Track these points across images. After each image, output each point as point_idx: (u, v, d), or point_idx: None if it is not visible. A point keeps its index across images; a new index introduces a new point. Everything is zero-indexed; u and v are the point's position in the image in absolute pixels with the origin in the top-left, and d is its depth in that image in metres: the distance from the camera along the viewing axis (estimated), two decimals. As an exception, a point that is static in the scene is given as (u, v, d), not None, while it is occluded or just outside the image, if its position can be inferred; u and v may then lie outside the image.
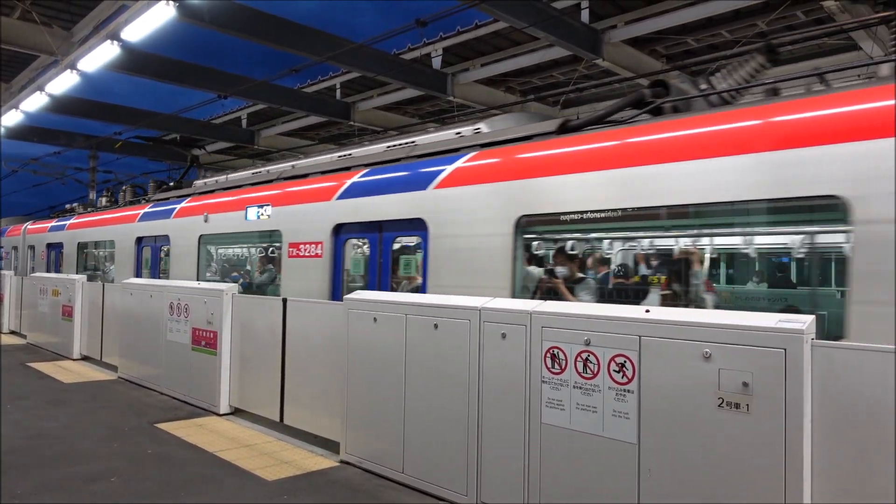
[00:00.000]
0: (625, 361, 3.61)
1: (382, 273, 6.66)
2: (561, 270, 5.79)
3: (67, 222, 14.86)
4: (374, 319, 5.17)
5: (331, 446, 5.70)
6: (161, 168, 24.72)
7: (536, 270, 6.04)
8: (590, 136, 5.05)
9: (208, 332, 7.33)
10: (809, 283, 6.25)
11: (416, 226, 6.09)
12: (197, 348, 7.52)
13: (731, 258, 9.36)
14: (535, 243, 6.09)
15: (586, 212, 4.92)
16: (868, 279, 3.38)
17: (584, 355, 3.79)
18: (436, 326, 4.67)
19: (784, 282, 7.76)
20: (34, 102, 12.92)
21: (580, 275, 5.88)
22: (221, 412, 7.07)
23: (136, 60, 11.92)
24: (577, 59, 11.85)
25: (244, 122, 19.18)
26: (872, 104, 3.58)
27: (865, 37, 9.57)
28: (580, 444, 3.79)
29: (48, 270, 15.28)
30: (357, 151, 8.09)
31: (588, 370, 3.77)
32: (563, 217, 5.17)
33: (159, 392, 8.14)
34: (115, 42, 9.38)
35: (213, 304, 7.27)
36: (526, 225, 5.24)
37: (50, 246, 15.61)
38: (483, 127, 6.50)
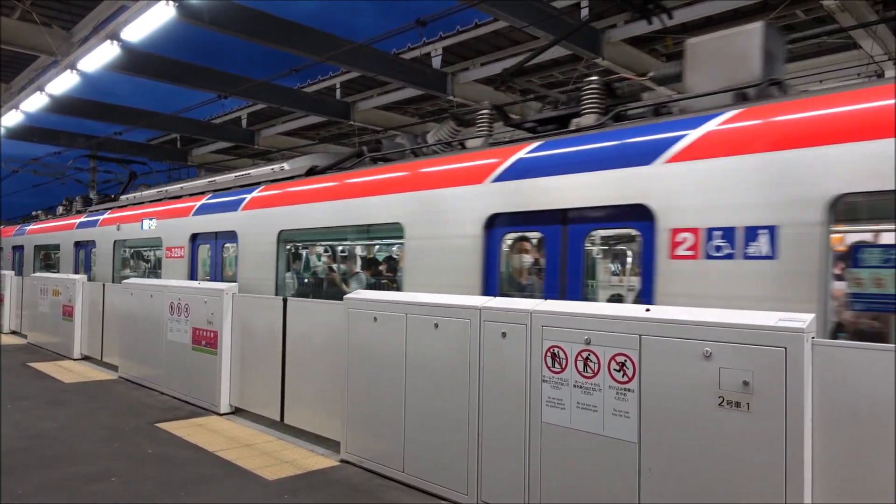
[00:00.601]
0: (625, 360, 3.61)
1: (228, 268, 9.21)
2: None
3: (28, 228, 16.43)
4: (375, 319, 5.17)
5: (331, 446, 5.70)
6: (161, 168, 24.72)
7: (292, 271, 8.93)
8: (322, 178, 7.30)
9: (209, 332, 7.33)
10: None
11: (232, 236, 8.47)
12: (197, 348, 7.53)
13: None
14: (294, 248, 9.04)
15: (320, 227, 7.17)
16: None
17: (585, 354, 3.79)
18: (436, 326, 4.67)
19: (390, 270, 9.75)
20: (34, 103, 12.92)
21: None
22: (222, 412, 7.07)
23: (136, 61, 11.93)
24: (576, 58, 11.85)
25: (244, 122, 19.19)
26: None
27: (865, 35, 9.57)
28: (580, 443, 3.79)
29: (13, 269, 16.86)
30: (221, 178, 10.27)
31: (588, 369, 3.77)
32: (307, 230, 7.40)
33: (160, 392, 8.14)
34: (115, 42, 9.38)
35: (213, 304, 7.27)
36: (286, 237, 7.68)
37: (14, 248, 17.51)
38: (286, 165, 8.72)
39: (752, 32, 4.51)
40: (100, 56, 10.03)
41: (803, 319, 3.11)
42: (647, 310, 3.65)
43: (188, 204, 9.82)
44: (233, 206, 8.65)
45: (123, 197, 13.87)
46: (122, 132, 17.67)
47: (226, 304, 7.16)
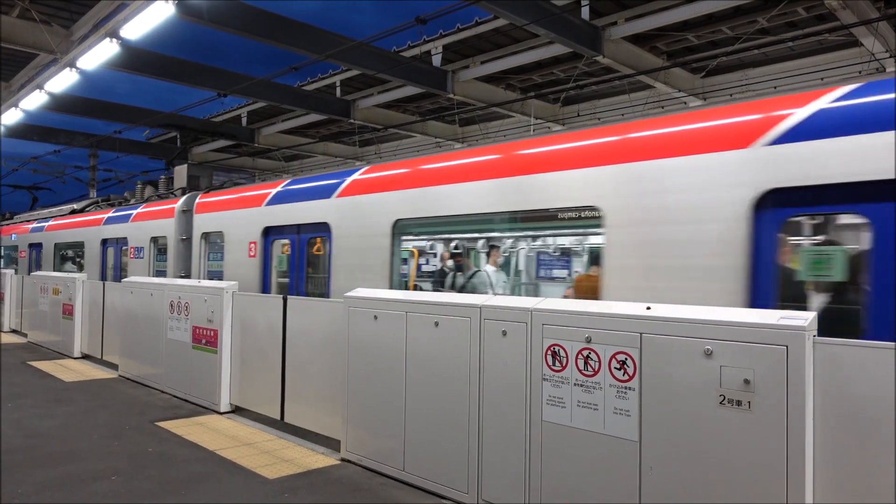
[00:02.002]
0: (626, 359, 3.60)
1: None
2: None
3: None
4: (375, 317, 5.16)
5: (331, 444, 5.70)
6: (160, 166, 24.70)
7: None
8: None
9: (209, 331, 7.33)
10: None
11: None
12: (197, 346, 7.52)
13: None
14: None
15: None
16: None
17: (585, 353, 3.78)
18: (436, 324, 4.66)
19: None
20: (34, 101, 12.91)
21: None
22: (222, 410, 7.07)
23: (136, 59, 11.91)
24: (577, 56, 11.83)
25: (244, 121, 19.17)
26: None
27: (867, 33, 9.54)
28: (581, 442, 3.78)
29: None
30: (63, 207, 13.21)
31: (589, 367, 3.76)
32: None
33: (160, 390, 8.14)
34: (115, 40, 9.37)
35: (213, 303, 7.27)
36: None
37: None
38: (74, 206, 11.08)
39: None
40: (99, 54, 10.02)
41: (804, 317, 3.10)
42: (648, 308, 3.64)
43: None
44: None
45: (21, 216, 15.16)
46: (121, 130, 17.65)
47: (226, 303, 7.16)
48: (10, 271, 15.00)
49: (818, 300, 3.97)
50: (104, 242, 12.92)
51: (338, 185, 7.20)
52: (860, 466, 2.95)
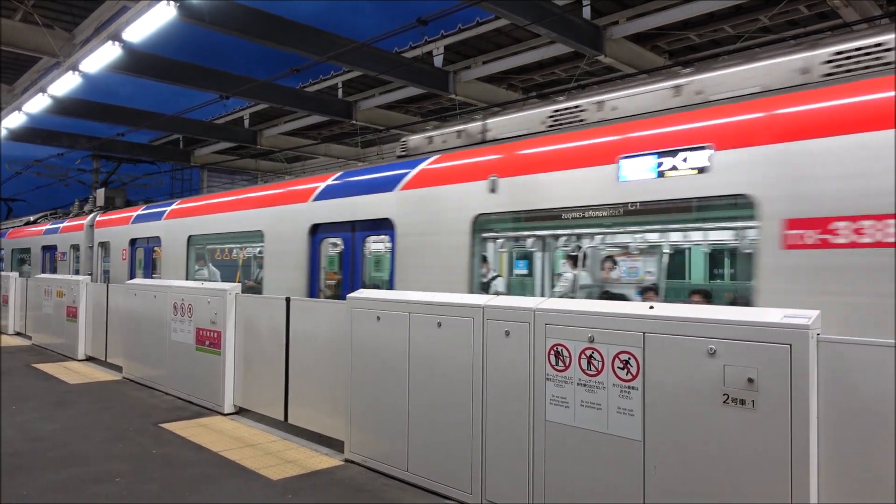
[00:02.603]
0: (629, 358, 3.60)
1: None
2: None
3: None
4: (378, 318, 5.16)
5: (335, 445, 5.70)
6: (165, 168, 24.74)
7: None
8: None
9: (212, 332, 7.34)
10: None
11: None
12: (201, 348, 7.53)
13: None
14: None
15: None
16: None
17: (588, 352, 3.78)
18: (439, 324, 4.66)
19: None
20: (37, 104, 12.95)
21: None
22: (226, 412, 7.08)
23: (138, 61, 11.94)
24: (579, 55, 11.82)
25: (246, 123, 19.20)
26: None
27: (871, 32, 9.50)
28: (585, 442, 3.78)
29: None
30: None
31: (592, 367, 3.76)
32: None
33: (164, 392, 8.15)
34: (117, 43, 9.39)
35: (216, 304, 7.27)
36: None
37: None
38: (30, 217, 12.10)
39: None
40: (101, 57, 10.04)
41: (808, 316, 3.09)
42: (651, 307, 3.63)
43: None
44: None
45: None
46: (124, 133, 17.69)
47: (229, 304, 7.16)
48: (13, 274, 15.05)
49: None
50: (44, 248, 17.11)
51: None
52: (865, 465, 2.94)
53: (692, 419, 3.33)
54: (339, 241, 7.75)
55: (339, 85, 15.29)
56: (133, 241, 12.40)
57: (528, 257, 8.02)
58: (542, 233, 6.10)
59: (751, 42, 10.82)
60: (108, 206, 15.13)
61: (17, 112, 13.68)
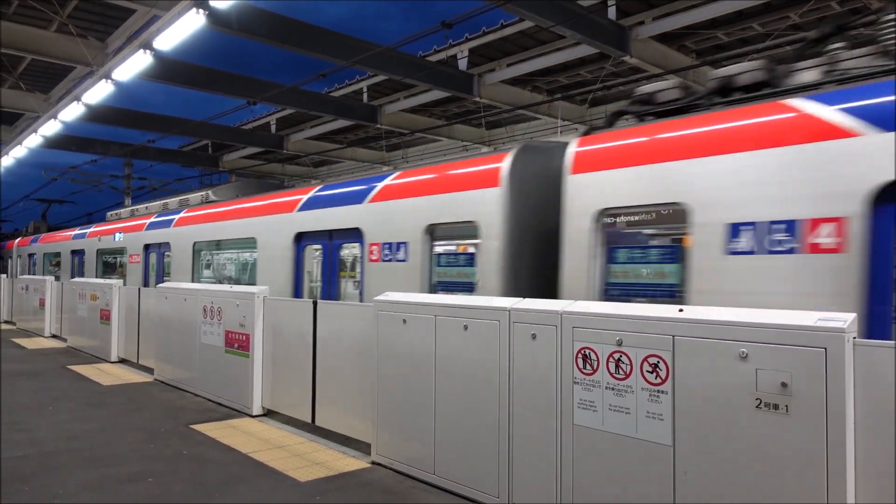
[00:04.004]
0: (658, 362, 3.55)
1: None
2: None
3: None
4: (404, 321, 5.18)
5: (362, 447, 5.73)
6: (193, 174, 25.19)
7: None
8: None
9: (241, 335, 7.43)
10: None
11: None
12: (230, 351, 7.64)
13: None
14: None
15: None
16: None
17: (616, 356, 3.74)
18: (465, 328, 4.65)
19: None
20: (71, 112, 13.28)
21: None
22: (254, 413, 7.16)
23: (168, 69, 12.19)
24: (604, 56, 11.74)
25: (273, 128, 19.45)
26: None
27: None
28: (613, 446, 3.74)
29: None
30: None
31: (620, 371, 3.72)
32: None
33: (194, 394, 8.28)
34: (148, 51, 9.59)
35: (244, 307, 7.37)
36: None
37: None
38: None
39: None
40: (133, 65, 10.26)
41: (844, 319, 3.02)
42: (681, 310, 3.58)
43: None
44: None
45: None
46: (155, 139, 18.06)
47: (257, 307, 7.25)
48: (49, 278, 15.44)
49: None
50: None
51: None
52: (905, 472, 2.85)
53: (723, 424, 3.28)
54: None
55: (364, 89, 15.42)
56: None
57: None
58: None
59: (781, 40, 10.64)
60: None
61: (52, 120, 14.04)
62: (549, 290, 5.56)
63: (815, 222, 3.87)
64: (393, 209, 6.97)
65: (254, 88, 13.57)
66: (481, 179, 6.08)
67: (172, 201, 13.83)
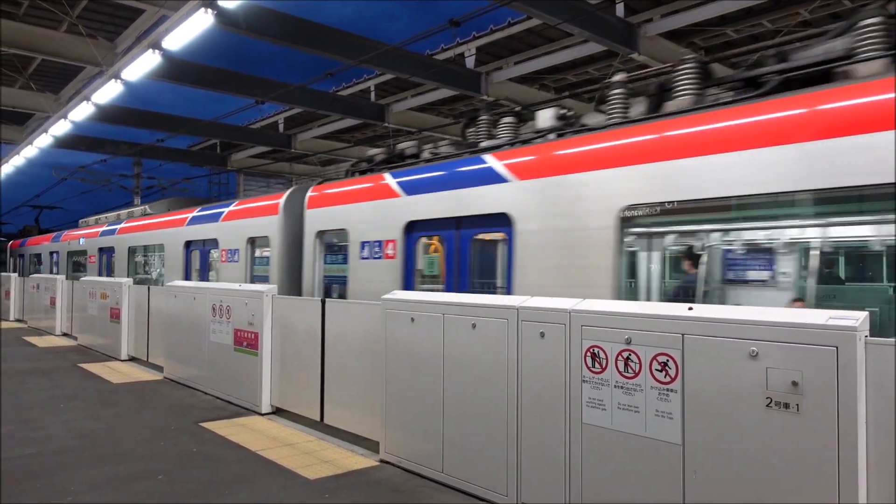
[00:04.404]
0: (667, 360, 3.54)
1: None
2: None
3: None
4: (412, 319, 5.18)
5: (370, 446, 5.74)
6: (202, 173, 25.30)
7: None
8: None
9: (250, 333, 7.46)
10: None
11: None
12: (239, 349, 7.67)
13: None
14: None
15: None
16: None
17: (626, 354, 3.73)
18: (473, 326, 4.65)
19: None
20: (81, 112, 13.36)
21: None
22: (263, 412, 7.19)
23: (177, 69, 12.25)
24: (612, 54, 11.69)
25: (281, 127, 19.50)
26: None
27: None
28: (622, 445, 3.73)
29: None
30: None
31: (629, 369, 3.71)
32: None
33: (203, 392, 8.33)
34: (157, 51, 9.63)
35: (253, 306, 7.40)
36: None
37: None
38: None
39: None
40: (142, 65, 10.32)
41: (856, 317, 2.99)
42: (690, 308, 3.56)
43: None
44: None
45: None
46: (163, 139, 18.15)
47: (266, 306, 7.28)
48: (60, 277, 15.55)
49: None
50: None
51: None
52: (917, 472, 2.83)
53: (733, 423, 3.26)
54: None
55: (372, 88, 15.43)
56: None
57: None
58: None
59: (791, 37, 10.56)
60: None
61: (63, 120, 14.13)
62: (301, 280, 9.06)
63: (386, 242, 7.47)
64: (232, 226, 10.73)
65: (262, 88, 13.61)
66: (270, 209, 9.73)
67: (123, 213, 17.54)
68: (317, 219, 8.72)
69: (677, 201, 4.86)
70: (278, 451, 5.71)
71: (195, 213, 12.11)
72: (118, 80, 11.07)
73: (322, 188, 8.92)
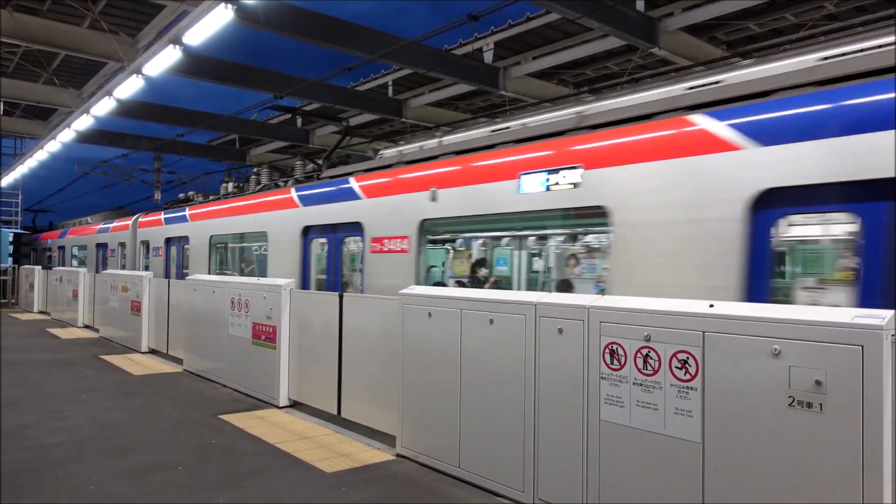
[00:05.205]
0: (687, 358, 3.50)
1: None
2: None
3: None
4: (429, 314, 5.18)
5: (387, 440, 5.76)
6: (221, 167, 25.49)
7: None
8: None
9: (268, 327, 7.52)
10: None
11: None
12: (257, 342, 7.73)
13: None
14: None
15: None
16: None
17: (645, 351, 3.70)
18: (491, 321, 4.64)
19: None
20: (103, 107, 13.51)
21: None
22: (281, 405, 7.25)
23: (197, 64, 12.33)
24: (632, 48, 11.57)
25: (299, 122, 19.57)
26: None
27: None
28: (641, 442, 3.70)
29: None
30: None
31: (648, 366, 3.68)
32: None
33: (222, 384, 8.41)
34: (177, 46, 9.70)
35: (271, 299, 7.45)
36: None
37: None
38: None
39: None
40: (163, 60, 10.40)
41: (882, 316, 2.94)
42: (711, 305, 3.52)
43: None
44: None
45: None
46: (183, 134, 18.31)
47: (283, 300, 7.32)
48: (83, 269, 15.78)
49: None
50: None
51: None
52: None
53: (755, 422, 3.22)
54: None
55: (390, 83, 15.42)
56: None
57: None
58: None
59: (814, 31, 10.37)
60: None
61: (85, 115, 14.30)
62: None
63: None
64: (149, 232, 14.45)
65: (280, 83, 13.66)
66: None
67: (84, 219, 21.96)
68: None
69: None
70: (296, 444, 5.75)
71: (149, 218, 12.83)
72: (139, 76, 11.16)
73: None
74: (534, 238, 8.60)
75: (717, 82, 5.37)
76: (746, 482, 3.24)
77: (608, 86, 13.84)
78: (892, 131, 3.70)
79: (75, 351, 11.43)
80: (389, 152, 8.77)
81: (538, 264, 8.90)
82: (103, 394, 7.77)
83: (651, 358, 3.67)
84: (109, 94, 12.60)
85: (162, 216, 15.47)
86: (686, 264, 4.59)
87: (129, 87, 11.93)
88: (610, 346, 3.87)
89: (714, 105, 4.81)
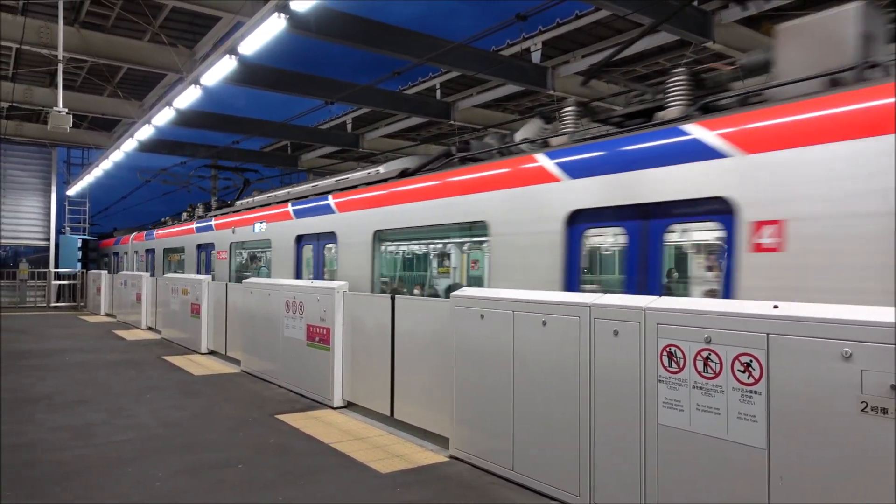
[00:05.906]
0: (751, 361, 3.39)
1: None
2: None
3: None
4: (481, 316, 5.18)
5: (439, 441, 5.78)
6: (274, 174, 26.13)
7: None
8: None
9: (322, 329, 7.66)
10: None
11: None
12: (311, 344, 7.88)
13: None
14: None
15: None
16: None
17: (705, 354, 3.59)
18: (544, 323, 4.60)
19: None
20: (163, 117, 14.03)
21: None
22: (335, 405, 7.36)
23: (251, 73, 12.69)
24: (685, 43, 11.29)
25: (349, 127, 19.87)
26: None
27: None
28: (701, 447, 3.60)
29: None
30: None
31: (709, 370, 3.57)
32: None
33: (278, 385, 8.61)
34: (233, 56, 9.99)
35: (325, 302, 7.58)
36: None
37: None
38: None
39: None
40: (219, 70, 10.72)
41: (963, 317, 2.78)
42: (776, 307, 3.40)
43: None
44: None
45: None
46: (238, 141, 18.85)
47: (337, 302, 7.44)
48: (145, 274, 16.42)
49: None
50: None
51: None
52: None
53: (825, 428, 3.09)
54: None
55: (438, 86, 15.50)
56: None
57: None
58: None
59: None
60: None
61: (146, 125, 14.89)
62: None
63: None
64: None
65: (330, 89, 13.92)
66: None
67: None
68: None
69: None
70: (350, 445, 5.83)
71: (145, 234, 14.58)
72: (197, 86, 11.55)
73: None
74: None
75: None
76: (815, 491, 3.11)
77: (659, 83, 13.55)
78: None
79: (139, 352, 11.90)
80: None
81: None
82: (166, 393, 8.06)
83: (712, 361, 3.56)
84: (169, 104, 13.07)
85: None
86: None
87: (187, 97, 12.34)
88: (668, 349, 3.78)
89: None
